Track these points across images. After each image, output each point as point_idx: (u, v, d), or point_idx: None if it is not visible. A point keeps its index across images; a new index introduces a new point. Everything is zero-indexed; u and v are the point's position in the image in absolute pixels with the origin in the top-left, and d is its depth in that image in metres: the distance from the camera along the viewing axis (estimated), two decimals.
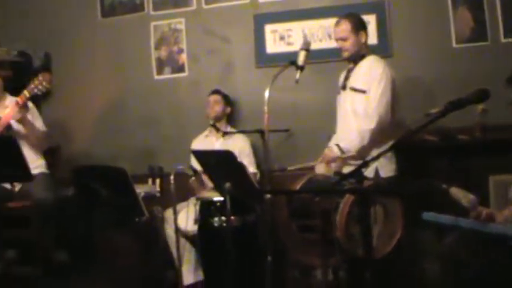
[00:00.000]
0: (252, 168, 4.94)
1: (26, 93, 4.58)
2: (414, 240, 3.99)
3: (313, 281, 4.39)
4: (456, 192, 2.93)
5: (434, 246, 3.39)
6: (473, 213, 2.86)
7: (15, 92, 4.94)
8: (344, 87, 4.31)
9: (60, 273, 4.99)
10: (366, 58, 4.22)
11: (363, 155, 4.01)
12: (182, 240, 4.58)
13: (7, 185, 4.83)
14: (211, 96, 5.22)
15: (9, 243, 4.81)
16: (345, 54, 4.25)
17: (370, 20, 5.05)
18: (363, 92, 4.11)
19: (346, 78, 4.31)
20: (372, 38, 4.99)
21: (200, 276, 4.73)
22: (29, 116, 4.84)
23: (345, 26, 4.19)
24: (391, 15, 5.14)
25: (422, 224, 3.20)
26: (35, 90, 4.56)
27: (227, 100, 5.24)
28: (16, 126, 4.74)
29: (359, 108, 4.14)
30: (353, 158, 4.05)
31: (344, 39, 4.20)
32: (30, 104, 4.88)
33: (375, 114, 4.03)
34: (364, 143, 4.03)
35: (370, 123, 4.01)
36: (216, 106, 5.16)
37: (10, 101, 4.90)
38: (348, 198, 3.56)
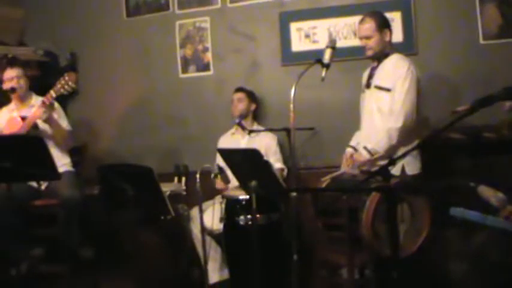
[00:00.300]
0: (279, 164, 4.94)
1: (52, 93, 4.63)
2: (441, 239, 3.95)
3: (339, 280, 4.38)
4: (485, 190, 2.91)
5: (462, 246, 3.36)
6: (503, 212, 2.83)
7: (42, 92, 5.00)
8: (368, 86, 4.29)
9: (86, 270, 5.03)
10: (390, 56, 4.20)
11: (390, 154, 3.99)
12: (208, 239, 4.58)
13: (34, 184, 4.88)
14: (234, 95, 5.22)
15: (36, 241, 4.86)
16: (369, 53, 4.23)
17: (395, 17, 5.02)
18: (388, 90, 4.09)
19: (370, 76, 4.29)
20: (397, 36, 4.96)
21: (226, 274, 4.74)
22: (55, 115, 4.88)
23: (369, 25, 4.17)
24: (417, 12, 5.08)
25: (450, 222, 3.16)
26: (61, 90, 4.59)
27: (251, 97, 5.24)
28: (42, 125, 4.79)
29: (384, 106, 4.12)
30: (381, 158, 4.03)
31: (368, 38, 4.17)
32: (55, 104, 4.93)
33: (402, 113, 4.00)
34: (392, 143, 4.01)
35: (397, 122, 3.99)
36: (239, 104, 5.16)
37: (36, 100, 4.95)
38: (374, 196, 3.54)
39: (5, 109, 5.14)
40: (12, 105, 5.12)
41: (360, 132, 4.43)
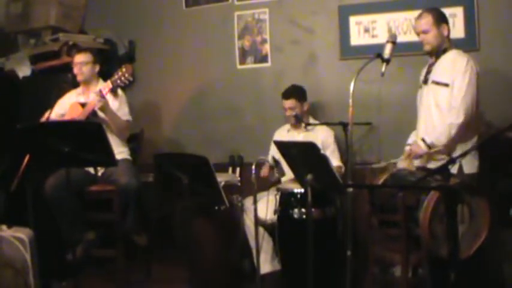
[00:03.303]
0: (336, 161, 4.88)
1: (109, 83, 4.70)
2: (500, 242, 3.88)
3: (391, 278, 4.35)
4: None
5: None
6: None
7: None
8: (426, 81, 4.23)
9: (140, 256, 5.10)
10: (448, 52, 4.13)
11: (449, 150, 3.95)
12: (260, 230, 4.58)
13: (91, 170, 4.96)
14: (284, 102, 5.05)
15: (91, 226, 4.93)
16: (427, 48, 4.17)
17: (457, 12, 4.94)
18: (446, 85, 4.02)
19: (428, 72, 4.23)
20: (459, 32, 4.89)
21: (277, 266, 4.75)
22: (116, 103, 4.96)
23: (427, 19, 4.12)
24: (479, 7, 4.95)
25: (510, 224, 3.10)
26: (118, 82, 4.66)
27: (303, 98, 5.07)
28: (100, 113, 4.85)
29: (442, 101, 4.06)
30: (440, 152, 3.98)
31: (425, 32, 4.12)
32: (120, 92, 5.00)
33: (462, 108, 3.93)
34: (452, 138, 3.95)
35: (458, 117, 3.92)
36: (293, 112, 5.00)
37: (99, 87, 5.00)
38: (433, 195, 3.49)
39: (73, 92, 5.23)
40: (80, 89, 5.20)
41: (416, 132, 4.37)
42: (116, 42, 6.13)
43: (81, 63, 5.02)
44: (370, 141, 5.22)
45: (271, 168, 4.65)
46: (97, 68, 5.14)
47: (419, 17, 4.19)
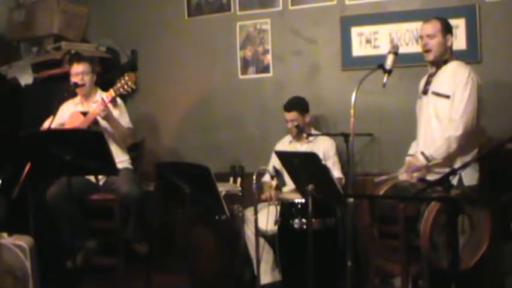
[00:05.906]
0: (337, 173, 4.84)
1: (111, 91, 4.71)
2: (501, 254, 3.87)
3: None
4: None
5: None
6: None
7: (102, 87, 5.13)
8: (425, 92, 4.22)
9: (140, 264, 5.09)
10: (449, 63, 4.12)
11: (447, 163, 3.94)
12: (261, 240, 4.57)
13: (92, 179, 4.96)
14: (286, 114, 5.02)
15: (92, 234, 4.94)
16: (429, 57, 4.14)
17: (459, 24, 4.93)
18: (447, 97, 4.02)
19: (428, 83, 4.23)
20: (461, 43, 4.89)
21: (277, 276, 4.75)
22: (116, 112, 4.96)
23: (434, 24, 4.11)
24: (482, 20, 4.95)
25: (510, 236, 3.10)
26: (121, 90, 4.67)
27: (304, 110, 5.03)
28: (102, 122, 4.86)
29: (442, 113, 4.05)
30: (439, 165, 3.97)
31: (431, 36, 4.09)
32: (119, 101, 5.00)
33: (462, 120, 3.93)
34: (451, 150, 3.94)
35: (457, 130, 3.92)
36: (293, 124, 4.98)
37: (100, 96, 5.01)
38: (434, 206, 3.49)
39: (71, 102, 5.21)
40: (78, 99, 5.20)
41: (416, 142, 4.37)
42: (118, 51, 6.14)
43: (82, 72, 5.01)
44: (372, 152, 5.22)
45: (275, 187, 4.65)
46: (95, 77, 5.16)
47: (427, 22, 4.17)
